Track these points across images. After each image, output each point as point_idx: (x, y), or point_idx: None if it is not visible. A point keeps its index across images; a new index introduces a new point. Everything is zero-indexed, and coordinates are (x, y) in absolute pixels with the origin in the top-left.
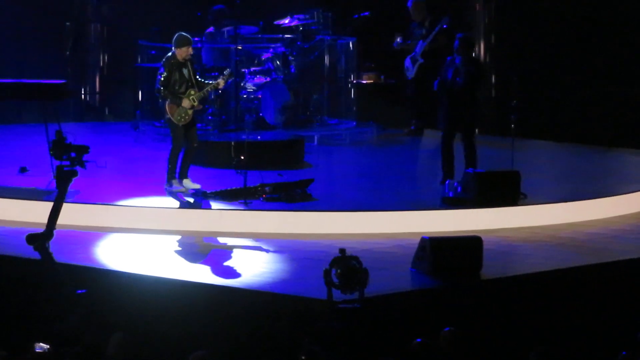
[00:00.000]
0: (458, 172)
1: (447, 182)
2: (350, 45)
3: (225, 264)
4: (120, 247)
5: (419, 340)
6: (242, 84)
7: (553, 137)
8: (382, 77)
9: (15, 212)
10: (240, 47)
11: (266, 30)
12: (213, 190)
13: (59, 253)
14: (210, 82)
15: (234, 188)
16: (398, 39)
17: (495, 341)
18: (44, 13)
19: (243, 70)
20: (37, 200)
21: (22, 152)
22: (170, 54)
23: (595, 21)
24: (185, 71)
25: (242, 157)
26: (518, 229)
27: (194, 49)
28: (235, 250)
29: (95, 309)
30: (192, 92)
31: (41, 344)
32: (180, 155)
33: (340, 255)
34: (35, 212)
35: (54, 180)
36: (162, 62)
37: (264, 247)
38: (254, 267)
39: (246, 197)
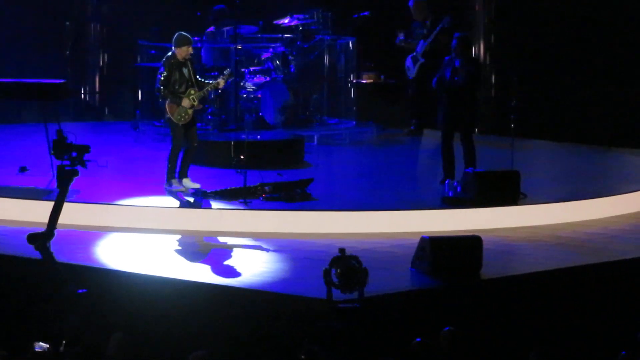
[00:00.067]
0: (458, 172)
1: (447, 182)
2: (350, 45)
3: (225, 263)
4: (121, 247)
5: (418, 340)
6: (241, 84)
7: (553, 137)
8: (382, 77)
9: (15, 211)
10: (240, 47)
11: (266, 30)
12: (213, 190)
13: (59, 252)
14: (210, 81)
15: (233, 188)
16: (400, 36)
17: (495, 341)
18: (44, 13)
19: (243, 69)
20: (37, 199)
21: (22, 152)
22: (170, 53)
23: (595, 21)
24: (185, 71)
25: (242, 157)
26: (518, 228)
27: (193, 48)
28: (235, 250)
29: (95, 309)
30: (192, 92)
31: (41, 343)
32: (180, 155)
33: (340, 255)
34: (35, 212)
35: (54, 180)
36: (162, 62)
37: (264, 246)
38: (254, 267)
39: (246, 197)
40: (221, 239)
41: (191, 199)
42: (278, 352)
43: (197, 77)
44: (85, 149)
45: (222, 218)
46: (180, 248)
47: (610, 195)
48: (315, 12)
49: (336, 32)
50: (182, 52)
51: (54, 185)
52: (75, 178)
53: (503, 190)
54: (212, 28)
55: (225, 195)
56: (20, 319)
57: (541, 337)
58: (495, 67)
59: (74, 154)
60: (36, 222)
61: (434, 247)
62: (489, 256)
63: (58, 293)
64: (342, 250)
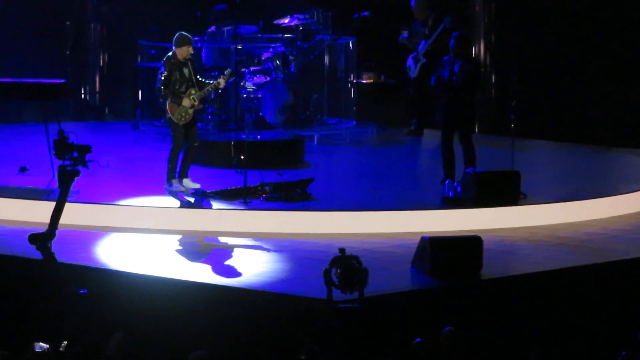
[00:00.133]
0: (458, 172)
1: (447, 182)
2: (350, 45)
3: (226, 263)
4: (121, 247)
5: (418, 340)
6: (242, 84)
7: (553, 137)
8: (382, 77)
9: (16, 211)
10: (240, 47)
11: (266, 30)
12: (213, 190)
13: (59, 252)
14: (211, 81)
15: (234, 188)
16: (404, 34)
17: (495, 341)
18: (44, 13)
19: (243, 69)
20: (37, 199)
21: (22, 152)
22: (170, 53)
23: (595, 21)
24: (185, 70)
25: (242, 157)
26: (518, 228)
27: (194, 48)
28: (235, 250)
29: (95, 309)
30: (193, 92)
31: (41, 343)
32: (181, 155)
33: (340, 255)
34: (35, 212)
35: (54, 180)
36: (162, 62)
37: (264, 246)
38: (254, 267)
39: (246, 197)
40: (221, 239)
41: (191, 199)
42: (278, 352)
43: (198, 77)
44: (86, 149)
45: (222, 218)
46: (180, 248)
47: (610, 195)
48: (315, 12)
49: (336, 32)
50: (183, 52)
51: (54, 185)
52: (76, 178)
53: (503, 190)
54: (213, 28)
55: (226, 196)
56: (20, 319)
57: (541, 337)
58: (495, 67)
59: (75, 154)
60: (36, 222)
61: (434, 247)
62: (489, 256)
63: (58, 293)
64: (342, 250)
